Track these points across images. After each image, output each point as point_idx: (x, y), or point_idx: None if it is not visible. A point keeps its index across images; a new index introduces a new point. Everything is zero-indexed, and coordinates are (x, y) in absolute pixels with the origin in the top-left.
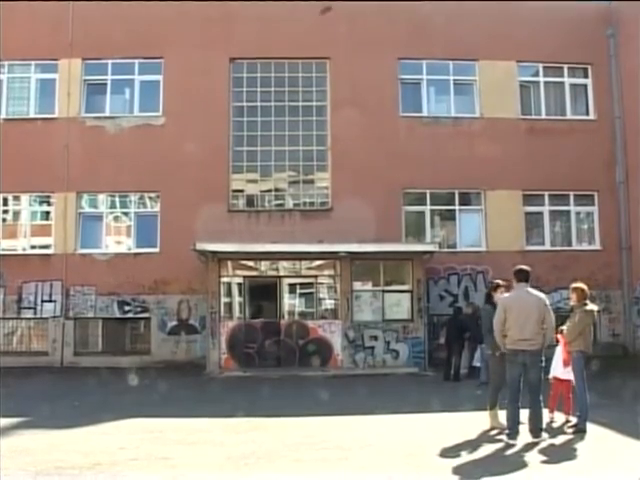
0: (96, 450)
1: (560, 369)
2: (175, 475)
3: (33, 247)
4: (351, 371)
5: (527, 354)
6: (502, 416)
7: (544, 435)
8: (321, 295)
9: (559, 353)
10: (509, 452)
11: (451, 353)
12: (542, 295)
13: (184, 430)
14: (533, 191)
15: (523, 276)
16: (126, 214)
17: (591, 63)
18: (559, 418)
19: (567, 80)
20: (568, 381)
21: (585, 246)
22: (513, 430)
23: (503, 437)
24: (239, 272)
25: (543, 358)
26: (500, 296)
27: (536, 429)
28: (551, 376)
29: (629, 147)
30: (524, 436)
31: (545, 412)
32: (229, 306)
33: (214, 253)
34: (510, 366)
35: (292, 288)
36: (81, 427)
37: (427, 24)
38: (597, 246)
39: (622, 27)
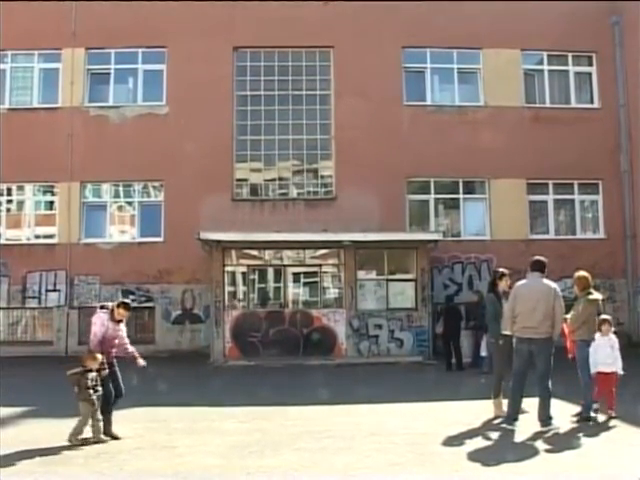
0: None
1: (602, 362)
2: (179, 463)
3: (37, 237)
4: (355, 360)
5: (533, 342)
6: (506, 405)
7: (554, 424)
8: (325, 284)
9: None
10: (513, 441)
11: (449, 343)
12: (554, 285)
13: (188, 419)
14: (537, 180)
15: (537, 267)
16: (130, 203)
17: (595, 51)
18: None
19: (571, 68)
20: (613, 373)
21: (589, 235)
22: (511, 417)
23: (503, 423)
24: (243, 261)
25: (552, 349)
26: (503, 285)
27: (544, 418)
28: (594, 371)
29: (633, 135)
30: (530, 425)
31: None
32: (233, 295)
33: (218, 242)
34: (516, 355)
35: (296, 277)
36: None
37: (431, 12)
38: (601, 235)
39: (626, 15)
